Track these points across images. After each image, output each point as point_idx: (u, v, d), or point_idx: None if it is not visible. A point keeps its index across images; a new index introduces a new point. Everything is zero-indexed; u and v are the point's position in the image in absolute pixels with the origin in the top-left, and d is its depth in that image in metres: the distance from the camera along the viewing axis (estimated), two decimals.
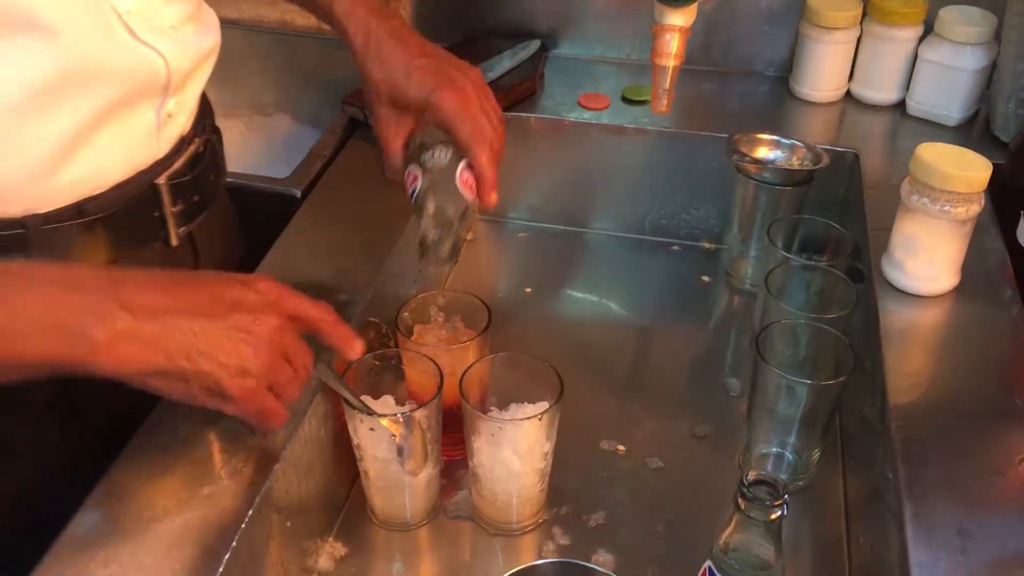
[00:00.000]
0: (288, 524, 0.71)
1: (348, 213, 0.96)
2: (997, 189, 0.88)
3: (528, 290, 1.09)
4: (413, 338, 0.83)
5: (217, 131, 0.82)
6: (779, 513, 0.56)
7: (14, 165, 0.61)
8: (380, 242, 0.92)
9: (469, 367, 0.76)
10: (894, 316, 0.84)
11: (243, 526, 0.63)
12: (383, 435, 0.74)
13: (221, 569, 0.61)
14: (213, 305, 0.57)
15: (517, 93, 1.14)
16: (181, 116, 0.73)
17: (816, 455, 0.84)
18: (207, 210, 0.77)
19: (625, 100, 1.16)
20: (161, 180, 0.71)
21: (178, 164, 0.72)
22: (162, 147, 0.71)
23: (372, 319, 0.86)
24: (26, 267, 0.54)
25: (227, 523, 0.63)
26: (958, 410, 0.74)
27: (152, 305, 0.54)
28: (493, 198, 0.79)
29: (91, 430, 0.72)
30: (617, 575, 0.63)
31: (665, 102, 0.91)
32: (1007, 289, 0.87)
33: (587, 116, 1.13)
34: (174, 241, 0.73)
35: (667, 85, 0.91)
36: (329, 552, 0.78)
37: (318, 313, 0.65)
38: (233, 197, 0.93)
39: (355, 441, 0.76)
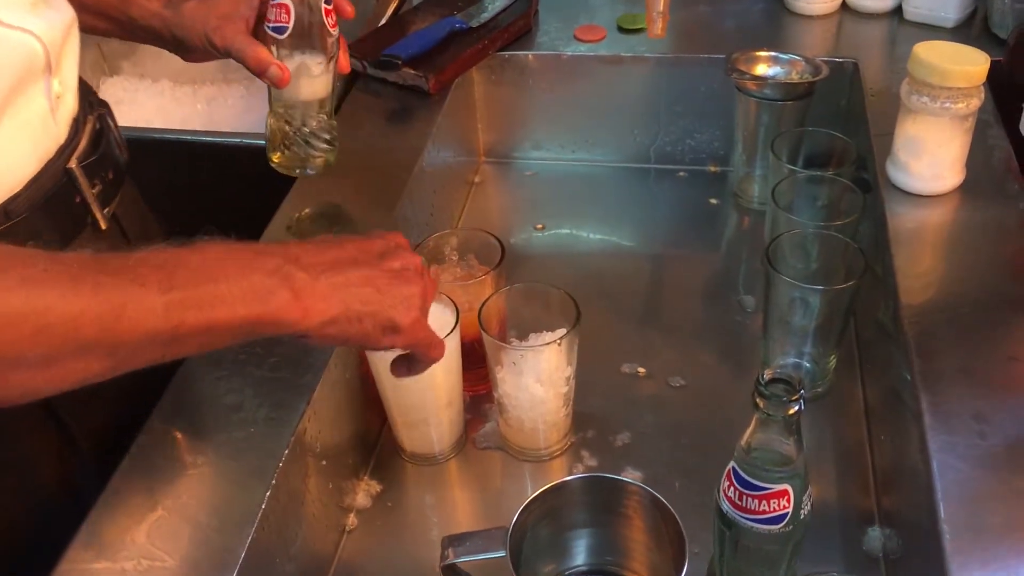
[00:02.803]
0: (324, 463, 0.73)
1: (355, 162, 0.96)
2: (997, 85, 0.88)
3: (539, 226, 1.10)
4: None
5: (105, 105, 0.80)
6: (796, 408, 0.57)
7: None
8: (389, 188, 0.93)
9: (486, 300, 0.78)
10: (901, 218, 0.85)
11: (280, 464, 0.66)
12: None
13: (263, 506, 0.63)
14: (366, 256, 0.62)
15: (512, 32, 1.14)
16: (68, 96, 0.71)
17: (833, 362, 0.85)
18: (123, 186, 0.77)
19: (620, 29, 1.16)
20: (72, 164, 0.70)
21: (82, 144, 0.71)
22: (61, 130, 0.70)
23: None
24: (220, 245, 0.57)
25: (264, 465, 0.66)
26: (970, 304, 0.75)
27: (320, 263, 0.59)
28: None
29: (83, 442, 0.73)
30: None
31: (660, 25, 0.92)
32: (1012, 183, 0.87)
33: (584, 49, 1.13)
34: (103, 224, 0.73)
35: (661, 8, 0.91)
36: (365, 490, 0.80)
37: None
38: (238, 157, 0.95)
39: (376, 376, 0.78)
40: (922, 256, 0.82)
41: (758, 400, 0.58)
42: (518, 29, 1.15)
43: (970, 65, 0.80)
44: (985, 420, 0.66)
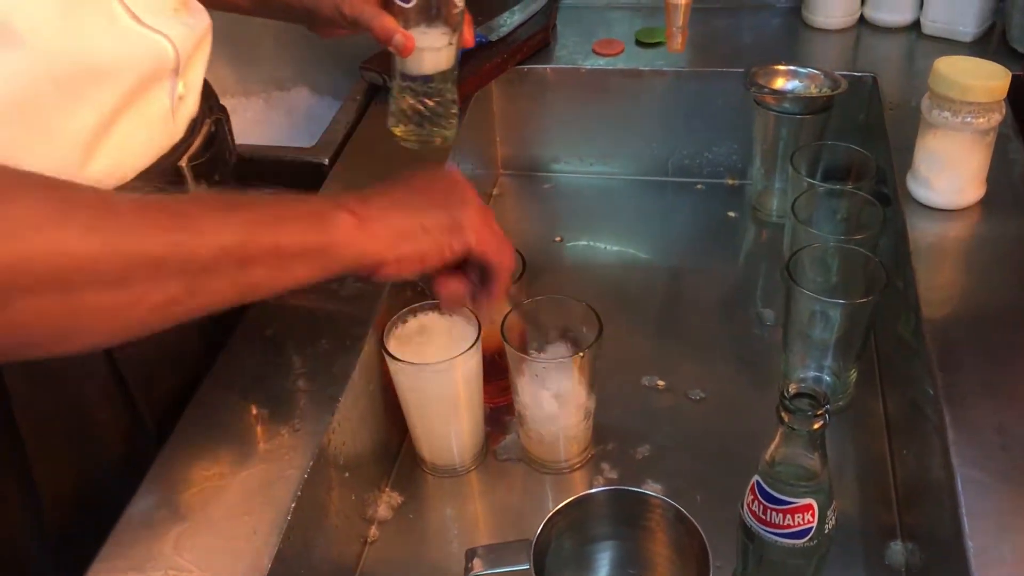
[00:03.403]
0: (347, 475, 0.74)
1: (376, 177, 0.96)
2: (1017, 99, 0.88)
3: (558, 238, 1.10)
4: None
5: (224, 110, 0.83)
6: (821, 423, 0.58)
7: (43, 162, 0.60)
8: None
9: (508, 312, 0.78)
10: (922, 232, 0.85)
11: (305, 476, 0.66)
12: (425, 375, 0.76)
13: (288, 518, 0.63)
14: (419, 188, 0.64)
15: (531, 46, 1.15)
16: (190, 98, 0.73)
17: (853, 376, 0.85)
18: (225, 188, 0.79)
19: (639, 43, 1.16)
20: (183, 162, 0.72)
21: (195, 146, 0.73)
22: (178, 129, 0.72)
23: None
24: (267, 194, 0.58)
25: (289, 476, 0.66)
26: (991, 317, 0.75)
27: (377, 196, 0.62)
28: None
29: (144, 410, 0.74)
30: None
31: (680, 40, 0.92)
32: None
33: (602, 63, 1.14)
34: None
35: (680, 23, 0.92)
36: (387, 501, 0.81)
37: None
38: (260, 170, 0.95)
39: (397, 387, 0.79)
40: (943, 270, 0.82)
41: (783, 414, 0.58)
42: (537, 43, 1.15)
43: (991, 80, 0.80)
44: (1008, 434, 0.66)
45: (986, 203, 0.86)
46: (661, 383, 0.90)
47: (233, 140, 0.83)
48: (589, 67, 1.14)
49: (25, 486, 0.67)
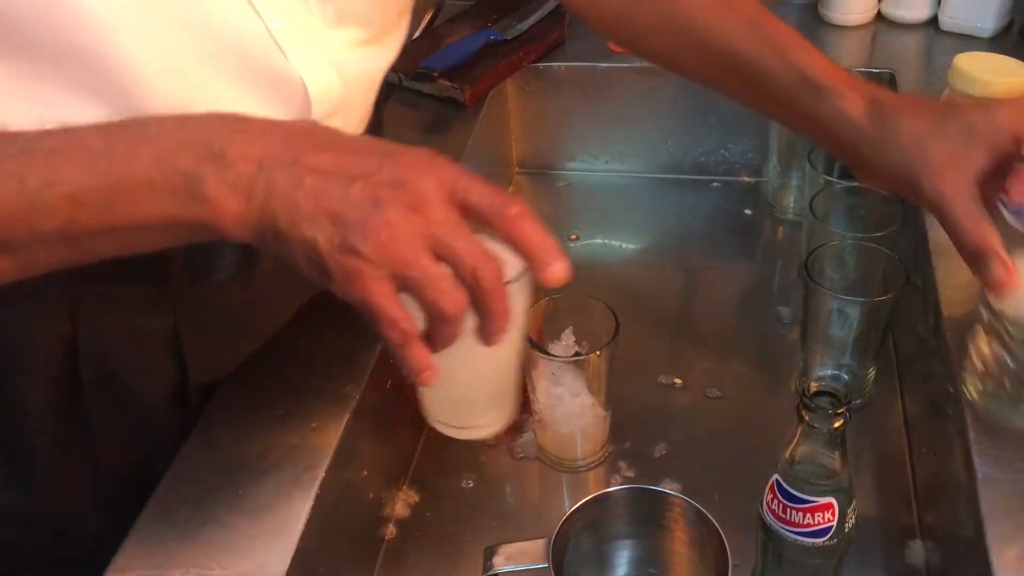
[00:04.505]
0: (364, 474, 0.74)
1: None
2: None
3: (573, 237, 1.10)
4: None
5: None
6: (842, 421, 0.57)
7: None
8: None
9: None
10: (942, 230, 0.84)
11: (323, 475, 0.66)
12: None
13: (307, 516, 0.63)
14: (343, 163, 0.46)
15: (546, 43, 1.14)
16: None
17: (871, 374, 0.85)
18: None
19: None
20: None
21: None
22: None
23: None
24: (137, 122, 0.48)
25: (307, 475, 0.66)
26: None
27: (263, 155, 0.46)
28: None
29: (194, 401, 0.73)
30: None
31: None
32: None
33: (617, 60, 1.14)
34: None
35: None
36: (404, 499, 0.81)
37: (496, 203, 0.48)
38: None
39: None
40: (963, 268, 0.80)
41: (803, 413, 0.58)
42: (552, 41, 1.15)
43: (1011, 76, 0.79)
44: None
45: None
46: (678, 381, 0.90)
47: None
48: (604, 65, 1.14)
49: (91, 463, 0.68)
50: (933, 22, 1.13)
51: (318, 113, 0.63)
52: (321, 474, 0.66)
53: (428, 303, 0.46)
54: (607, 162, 1.19)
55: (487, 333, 0.48)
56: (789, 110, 0.70)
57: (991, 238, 0.57)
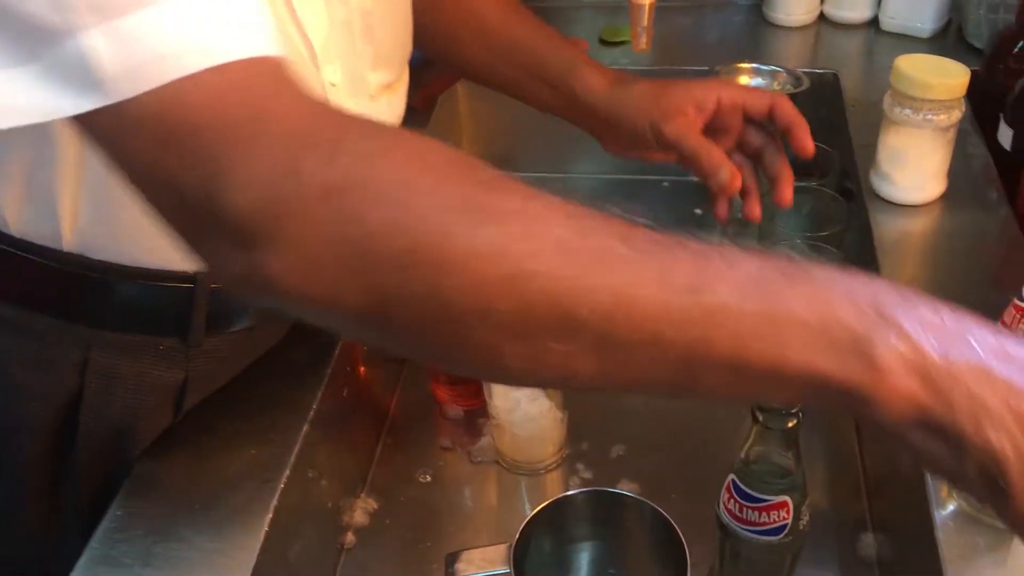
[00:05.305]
0: (323, 483, 0.73)
1: None
2: (975, 95, 0.90)
3: None
4: None
5: None
6: (795, 421, 0.58)
7: None
8: None
9: None
10: (887, 227, 0.86)
11: (282, 485, 0.66)
12: None
13: (266, 529, 0.63)
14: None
15: None
16: None
17: None
18: None
19: (603, 42, 1.17)
20: None
21: None
22: None
23: None
24: (785, 258, 0.41)
25: (266, 487, 0.66)
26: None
27: (944, 341, 0.39)
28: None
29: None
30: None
31: (645, 39, 0.93)
32: (992, 191, 0.89)
33: None
34: None
35: (645, 23, 0.92)
36: (363, 507, 0.80)
37: None
38: None
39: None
40: (908, 265, 0.83)
41: (758, 413, 0.59)
42: None
43: (951, 78, 0.81)
44: None
45: (948, 198, 0.88)
46: None
47: None
48: None
49: (73, 477, 0.67)
50: (874, 22, 1.16)
51: None
52: (280, 485, 0.66)
53: None
54: (558, 164, 1.20)
55: None
56: (556, 93, 0.81)
57: (720, 156, 0.73)
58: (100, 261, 0.60)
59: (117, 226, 0.59)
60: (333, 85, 0.60)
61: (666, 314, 0.38)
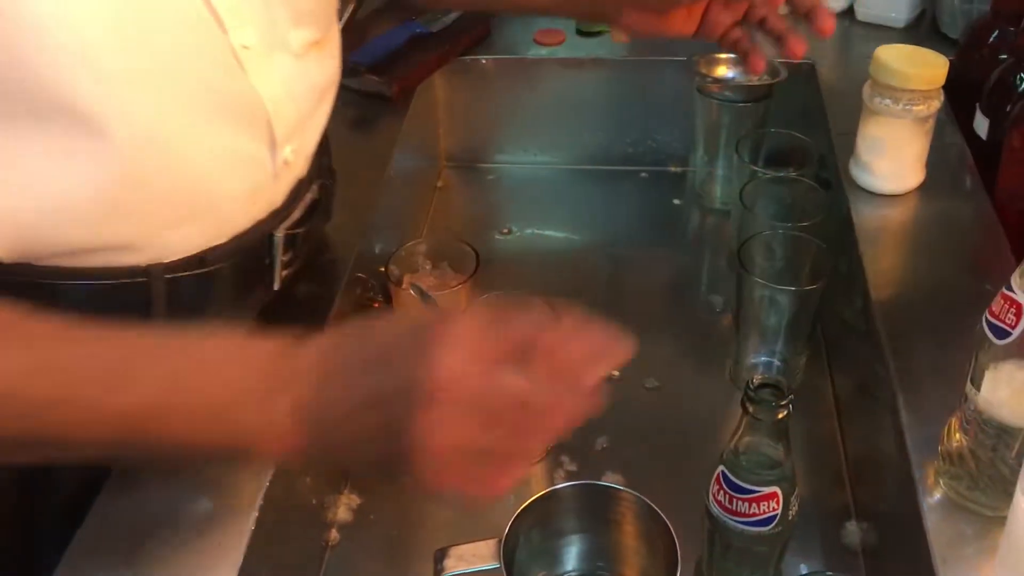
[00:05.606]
0: (307, 480, 0.72)
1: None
2: (950, 85, 0.90)
3: (505, 230, 1.10)
4: (404, 286, 0.84)
5: (333, 174, 0.78)
6: (785, 412, 0.59)
7: (141, 219, 0.58)
8: (360, 197, 0.92)
9: (466, 309, 0.78)
10: (867, 217, 0.87)
11: (267, 483, 0.65)
12: None
13: (252, 528, 0.62)
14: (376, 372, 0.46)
15: (472, 36, 1.14)
16: (300, 162, 0.69)
17: (803, 360, 0.87)
18: (307, 258, 0.75)
19: (580, 32, 1.16)
20: (279, 232, 0.68)
21: (295, 214, 0.69)
22: (279, 196, 0.67)
23: (358, 274, 0.87)
24: (213, 343, 0.47)
25: (250, 486, 0.65)
26: (937, 299, 0.78)
27: (314, 387, 0.46)
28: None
29: None
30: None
31: None
32: (969, 180, 0.90)
33: (544, 52, 1.14)
34: (276, 286, 0.71)
35: None
36: (346, 503, 0.80)
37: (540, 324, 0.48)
38: None
39: None
40: (888, 254, 0.84)
41: (748, 405, 0.59)
42: (478, 34, 1.14)
43: (930, 68, 0.82)
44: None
45: (926, 187, 0.89)
46: (615, 373, 0.90)
47: (331, 205, 0.78)
48: (531, 57, 1.14)
49: (52, 479, 0.67)
50: (849, 12, 1.16)
51: (279, 135, 0.63)
52: (264, 483, 0.65)
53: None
54: (536, 154, 1.19)
55: None
56: None
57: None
58: (47, 268, 0.58)
59: (47, 238, 0.57)
60: (246, 48, 0.58)
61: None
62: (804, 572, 0.71)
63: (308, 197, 0.71)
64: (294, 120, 0.64)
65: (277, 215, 0.68)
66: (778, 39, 0.79)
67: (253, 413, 0.45)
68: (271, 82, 0.61)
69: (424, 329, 0.46)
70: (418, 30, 1.10)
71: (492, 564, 0.62)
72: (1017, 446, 0.57)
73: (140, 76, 0.53)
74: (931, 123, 0.85)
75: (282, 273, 0.71)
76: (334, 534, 0.78)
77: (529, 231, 1.11)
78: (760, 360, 0.87)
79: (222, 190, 0.62)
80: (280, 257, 0.69)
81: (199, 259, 0.63)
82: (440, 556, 0.64)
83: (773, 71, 1.03)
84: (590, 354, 0.49)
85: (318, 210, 0.73)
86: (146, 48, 0.53)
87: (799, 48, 0.77)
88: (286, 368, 0.46)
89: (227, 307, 0.68)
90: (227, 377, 0.46)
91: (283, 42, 0.62)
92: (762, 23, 0.80)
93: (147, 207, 0.58)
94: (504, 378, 0.45)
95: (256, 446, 0.46)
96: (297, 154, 0.67)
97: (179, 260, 0.62)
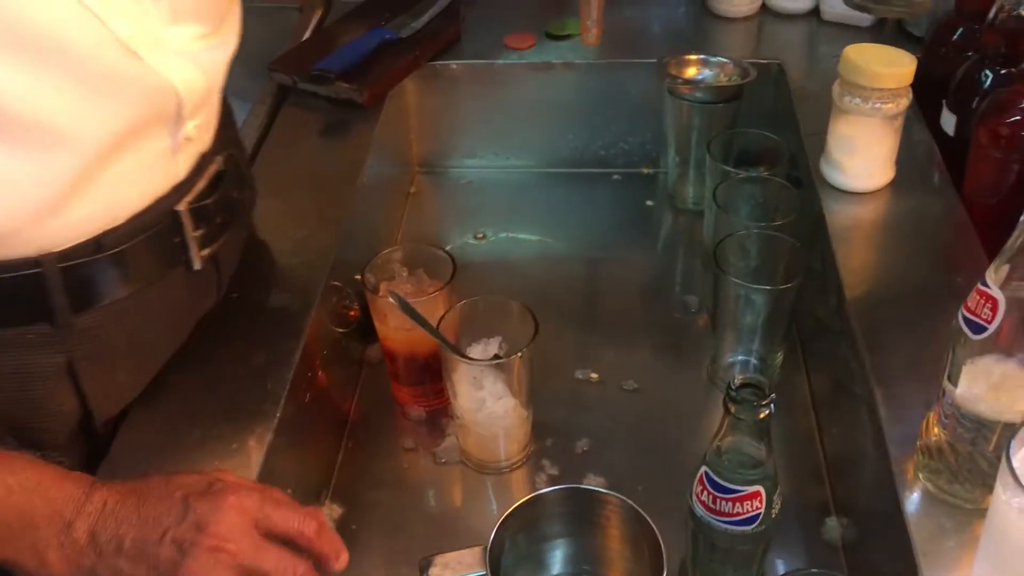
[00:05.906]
0: (289, 491, 0.72)
1: (295, 181, 0.95)
2: (916, 82, 0.91)
3: (479, 235, 1.10)
4: (380, 293, 0.83)
5: (238, 144, 0.78)
6: (767, 412, 0.59)
7: (15, 205, 0.57)
8: (334, 205, 0.92)
9: (444, 315, 0.77)
10: (839, 215, 0.88)
11: None
12: None
13: None
14: (148, 521, 0.56)
15: (442, 41, 1.14)
16: (203, 136, 0.69)
17: (779, 358, 0.88)
18: (230, 229, 0.74)
19: (549, 36, 1.16)
20: (182, 206, 0.67)
21: (200, 186, 0.68)
22: (180, 171, 0.67)
23: (334, 283, 0.86)
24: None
25: None
26: (910, 295, 0.79)
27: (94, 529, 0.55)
28: None
29: None
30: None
31: (595, 33, 0.93)
32: (938, 176, 0.91)
33: (514, 57, 1.14)
34: (196, 265, 0.70)
35: (594, 16, 0.92)
36: (328, 513, 0.79)
37: (296, 525, 0.59)
38: None
39: None
40: (860, 251, 0.85)
41: (730, 405, 0.59)
42: (448, 38, 1.14)
43: (898, 67, 0.83)
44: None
45: (896, 184, 0.90)
46: (594, 376, 0.91)
47: (250, 176, 0.78)
48: (501, 61, 1.13)
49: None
50: (815, 12, 1.17)
51: (189, 110, 0.64)
52: None
53: None
54: (508, 158, 1.19)
55: None
56: None
57: None
58: None
59: None
60: (132, 37, 0.58)
61: None
62: (782, 572, 0.72)
63: (212, 168, 0.70)
64: (202, 95, 0.65)
65: (179, 190, 0.67)
66: None
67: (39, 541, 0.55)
68: (176, 66, 0.62)
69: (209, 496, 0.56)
70: (388, 36, 1.10)
71: (478, 571, 0.62)
72: (995, 439, 0.58)
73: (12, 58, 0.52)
74: (900, 121, 0.86)
75: (200, 252, 0.70)
76: None
77: (503, 235, 1.11)
78: (737, 359, 0.87)
79: (117, 162, 0.61)
80: (191, 233, 0.68)
81: (95, 243, 0.62)
82: (425, 565, 0.64)
83: (743, 71, 1.04)
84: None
85: (225, 180, 0.72)
86: (24, 33, 0.52)
87: None
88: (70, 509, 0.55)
89: (139, 292, 0.67)
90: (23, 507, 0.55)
91: (165, 37, 0.61)
92: None
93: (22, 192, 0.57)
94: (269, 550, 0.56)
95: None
96: (200, 129, 0.67)
97: (73, 247, 0.61)
